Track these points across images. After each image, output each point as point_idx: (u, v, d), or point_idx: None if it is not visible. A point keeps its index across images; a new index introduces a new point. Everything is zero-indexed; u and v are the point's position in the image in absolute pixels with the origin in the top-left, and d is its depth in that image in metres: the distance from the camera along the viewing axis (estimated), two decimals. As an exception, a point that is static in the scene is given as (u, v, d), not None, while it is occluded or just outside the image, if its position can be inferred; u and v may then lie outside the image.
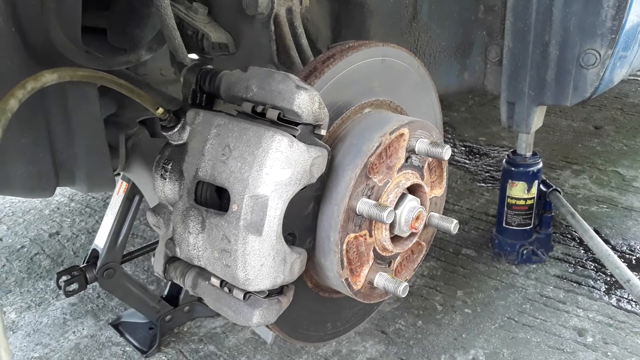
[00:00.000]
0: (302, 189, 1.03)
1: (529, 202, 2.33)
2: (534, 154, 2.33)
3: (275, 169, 0.98)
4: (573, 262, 2.41)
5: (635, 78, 4.80)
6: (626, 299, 2.16)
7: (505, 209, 2.37)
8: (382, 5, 1.70)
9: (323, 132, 1.05)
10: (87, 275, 1.89)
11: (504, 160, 2.37)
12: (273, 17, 1.39)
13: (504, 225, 2.40)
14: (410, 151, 1.22)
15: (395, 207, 1.19)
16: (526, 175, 2.30)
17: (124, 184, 1.92)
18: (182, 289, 2.09)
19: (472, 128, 4.00)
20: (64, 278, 1.87)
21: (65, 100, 1.22)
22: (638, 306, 2.11)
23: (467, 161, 3.49)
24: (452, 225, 1.28)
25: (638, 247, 2.51)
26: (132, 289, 1.98)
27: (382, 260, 1.25)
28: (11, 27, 1.07)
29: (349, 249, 1.15)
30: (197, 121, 1.10)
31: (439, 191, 1.37)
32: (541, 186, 2.40)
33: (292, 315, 1.19)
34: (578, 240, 2.54)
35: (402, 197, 1.21)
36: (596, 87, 1.70)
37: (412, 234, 1.28)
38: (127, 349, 2.04)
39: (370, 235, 1.19)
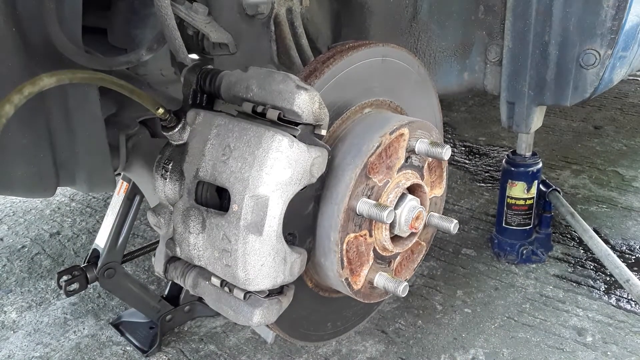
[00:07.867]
0: (302, 189, 1.04)
1: (528, 202, 2.33)
2: (534, 154, 2.33)
3: (276, 169, 0.98)
4: (572, 261, 2.41)
5: (635, 78, 4.80)
6: (626, 298, 2.16)
7: (505, 208, 2.37)
8: (382, 5, 1.70)
9: (323, 132, 1.06)
10: (88, 275, 1.89)
11: (504, 160, 2.38)
12: (273, 17, 1.40)
13: (503, 225, 2.40)
14: (410, 151, 1.22)
15: (395, 207, 1.20)
16: (526, 175, 2.30)
17: (125, 184, 1.92)
18: (182, 288, 2.09)
19: (472, 128, 4.00)
20: (65, 278, 1.87)
21: (66, 100, 1.22)
22: (637, 306, 2.12)
23: (467, 161, 3.49)
24: (452, 225, 1.28)
25: (637, 247, 2.51)
26: (133, 289, 1.98)
27: (382, 260, 1.26)
28: (11, 28, 1.07)
29: (349, 249, 1.15)
30: (198, 121, 1.11)
31: (439, 191, 1.37)
32: (541, 186, 2.40)
33: (292, 314, 1.20)
34: (577, 240, 2.55)
35: (402, 197, 1.21)
36: (596, 87, 1.70)
37: (412, 234, 1.28)
38: (128, 348, 2.04)
39: (370, 235, 1.19)
